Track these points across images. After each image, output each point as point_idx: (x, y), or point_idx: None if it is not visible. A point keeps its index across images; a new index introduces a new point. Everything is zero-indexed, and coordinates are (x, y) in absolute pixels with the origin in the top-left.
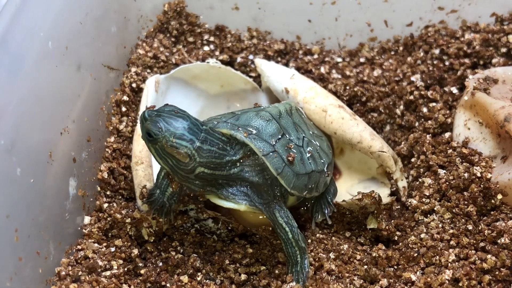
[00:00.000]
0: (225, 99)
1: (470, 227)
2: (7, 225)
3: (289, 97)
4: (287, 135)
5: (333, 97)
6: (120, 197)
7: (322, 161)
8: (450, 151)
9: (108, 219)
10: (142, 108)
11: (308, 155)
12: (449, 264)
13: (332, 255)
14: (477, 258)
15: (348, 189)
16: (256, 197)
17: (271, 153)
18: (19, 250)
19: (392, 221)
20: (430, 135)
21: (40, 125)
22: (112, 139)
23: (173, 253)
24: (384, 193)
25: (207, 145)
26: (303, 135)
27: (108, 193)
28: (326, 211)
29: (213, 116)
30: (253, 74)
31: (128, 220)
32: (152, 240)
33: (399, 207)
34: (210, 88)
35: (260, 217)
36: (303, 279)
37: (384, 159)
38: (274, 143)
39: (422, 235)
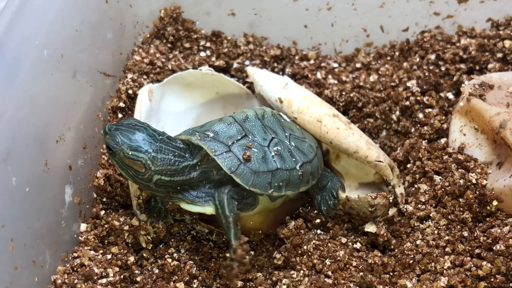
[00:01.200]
0: (221, 106)
1: (465, 233)
2: (2, 234)
3: (283, 107)
4: (250, 136)
5: (327, 105)
6: (116, 203)
7: (294, 159)
8: (445, 157)
9: (105, 226)
10: (135, 116)
11: (273, 153)
12: (445, 271)
13: (328, 262)
14: (472, 265)
15: (346, 193)
16: (209, 197)
17: (224, 153)
18: (15, 259)
19: (389, 227)
20: (426, 141)
21: (35, 133)
22: None
23: (169, 260)
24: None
25: (161, 154)
26: (272, 136)
27: (104, 200)
28: (330, 203)
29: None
30: (249, 80)
31: (126, 228)
32: (149, 248)
33: (395, 215)
34: (206, 95)
35: (251, 222)
36: (232, 249)
37: (381, 169)
38: (230, 143)
39: (418, 242)
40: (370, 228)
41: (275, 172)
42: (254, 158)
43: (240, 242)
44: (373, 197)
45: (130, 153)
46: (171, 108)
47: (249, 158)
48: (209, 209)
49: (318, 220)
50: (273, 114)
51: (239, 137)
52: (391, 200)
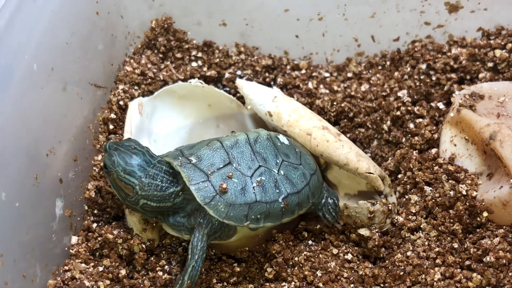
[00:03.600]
0: (214, 118)
1: (455, 245)
2: None
3: (273, 120)
4: (234, 164)
5: (317, 117)
6: (107, 216)
7: (278, 191)
8: (436, 167)
9: (99, 238)
10: (126, 130)
11: (255, 184)
12: (435, 283)
13: (319, 273)
14: (462, 277)
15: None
16: (189, 225)
17: (200, 183)
18: (5, 274)
19: (382, 236)
20: (417, 151)
21: (25, 147)
22: (100, 157)
23: (161, 273)
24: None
25: (149, 178)
26: (260, 164)
27: (95, 212)
28: (333, 214)
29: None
30: (240, 92)
31: (120, 241)
32: (144, 258)
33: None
34: (198, 108)
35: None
36: None
37: (372, 180)
38: (210, 172)
39: (409, 253)
40: (363, 231)
41: (252, 204)
42: (232, 189)
43: None
44: (373, 203)
45: (123, 176)
46: (163, 122)
47: (225, 190)
48: (186, 236)
49: (318, 226)
50: (269, 137)
51: (221, 165)
52: (390, 207)
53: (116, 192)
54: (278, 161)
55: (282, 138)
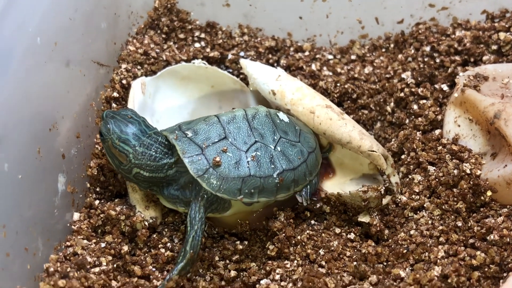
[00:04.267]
0: (217, 99)
1: (459, 223)
2: None
3: (276, 99)
4: (229, 139)
5: (320, 97)
6: (109, 193)
7: (273, 166)
8: (440, 148)
9: (101, 215)
10: None
11: (249, 159)
12: (438, 261)
13: (322, 252)
14: (466, 255)
15: (341, 187)
16: (184, 197)
17: (194, 156)
18: (7, 246)
19: (383, 217)
20: (420, 132)
21: (28, 121)
22: None
23: (163, 250)
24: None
25: (144, 148)
26: (256, 139)
27: (98, 189)
28: (308, 192)
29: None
30: (243, 71)
31: (123, 217)
32: (146, 236)
33: (390, 203)
34: (201, 89)
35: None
36: (167, 279)
37: (375, 158)
38: (205, 146)
39: (412, 232)
40: (363, 218)
41: (246, 178)
42: (226, 163)
43: (181, 276)
44: (364, 191)
45: (118, 144)
46: (166, 102)
47: (218, 163)
48: (181, 209)
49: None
50: (268, 114)
51: (217, 140)
52: (382, 192)
53: (110, 159)
54: (275, 137)
55: (282, 116)
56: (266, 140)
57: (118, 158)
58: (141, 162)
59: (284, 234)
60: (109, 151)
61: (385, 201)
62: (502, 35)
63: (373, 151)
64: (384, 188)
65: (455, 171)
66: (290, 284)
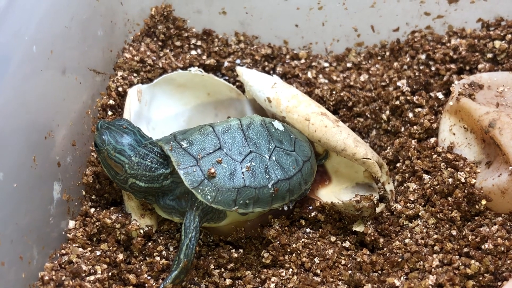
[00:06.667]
0: (213, 107)
1: (454, 232)
2: None
3: (271, 106)
4: (224, 150)
5: (315, 104)
6: (105, 201)
7: (268, 176)
8: (435, 156)
9: (96, 223)
10: (124, 117)
11: (244, 170)
12: (433, 270)
13: (317, 260)
14: (460, 264)
15: (336, 194)
16: (180, 208)
17: (189, 167)
18: (2, 254)
19: (378, 226)
20: (416, 140)
21: (24, 129)
22: None
23: (158, 259)
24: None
25: (139, 158)
26: (251, 149)
27: (93, 197)
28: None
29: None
30: (240, 79)
31: (118, 226)
32: (141, 244)
33: (384, 211)
34: (197, 96)
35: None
36: (163, 285)
37: (369, 166)
38: (200, 157)
39: (407, 240)
40: (358, 227)
41: (241, 189)
42: (221, 174)
43: (175, 284)
44: (357, 200)
45: (113, 155)
46: (162, 109)
47: (213, 174)
48: (176, 219)
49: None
50: (263, 123)
51: (211, 150)
52: (375, 201)
53: (106, 170)
54: (270, 147)
55: (277, 124)
56: (261, 150)
57: (114, 169)
58: (136, 172)
59: (278, 242)
60: (104, 162)
61: (379, 209)
62: (497, 43)
63: (368, 158)
64: (376, 198)
65: (450, 180)
66: None
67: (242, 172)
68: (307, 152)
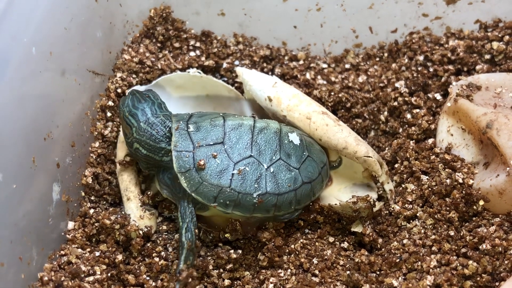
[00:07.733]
0: (212, 108)
1: (452, 233)
2: None
3: (272, 105)
4: (225, 145)
5: (316, 103)
6: (104, 202)
7: (257, 185)
8: (433, 157)
9: (96, 224)
10: None
11: (235, 172)
12: (431, 270)
13: (315, 261)
14: (458, 264)
15: (335, 195)
16: (174, 189)
17: (184, 151)
18: (1, 255)
19: (376, 226)
20: (414, 141)
21: (23, 130)
22: (97, 144)
23: (157, 259)
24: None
25: (147, 126)
26: (251, 154)
27: (92, 198)
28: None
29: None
30: (238, 80)
31: (117, 227)
32: (141, 244)
33: (383, 211)
34: (196, 97)
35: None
36: (177, 272)
37: (370, 164)
38: (199, 145)
39: (405, 241)
40: (356, 228)
41: (224, 189)
42: (210, 168)
43: (187, 266)
44: (354, 202)
45: (127, 116)
46: None
47: (202, 167)
48: (164, 195)
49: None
50: (277, 132)
51: (212, 143)
52: (372, 202)
53: (122, 129)
54: (274, 157)
55: (293, 137)
56: (262, 158)
57: (125, 130)
58: (141, 138)
59: (273, 244)
60: (121, 122)
61: (376, 208)
62: (495, 44)
63: (369, 156)
64: (374, 198)
65: (448, 181)
66: None
67: (232, 173)
68: (312, 174)
